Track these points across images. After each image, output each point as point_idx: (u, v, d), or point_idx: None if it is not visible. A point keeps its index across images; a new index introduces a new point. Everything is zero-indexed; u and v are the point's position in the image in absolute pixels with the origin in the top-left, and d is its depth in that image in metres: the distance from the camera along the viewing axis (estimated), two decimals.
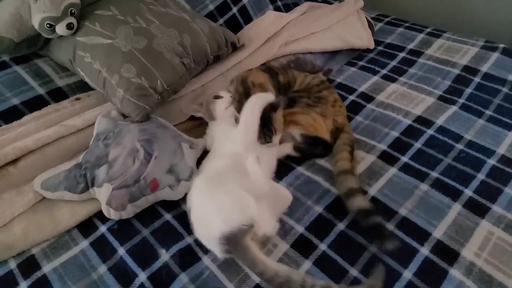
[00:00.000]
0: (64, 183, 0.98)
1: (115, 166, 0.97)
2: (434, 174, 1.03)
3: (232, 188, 0.86)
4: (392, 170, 1.05)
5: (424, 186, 1.00)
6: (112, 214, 0.95)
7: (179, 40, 1.16)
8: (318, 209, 0.96)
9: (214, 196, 0.87)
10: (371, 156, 1.09)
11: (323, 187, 1.02)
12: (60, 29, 1.13)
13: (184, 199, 0.99)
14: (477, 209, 0.94)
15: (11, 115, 1.12)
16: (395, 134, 1.16)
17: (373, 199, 0.97)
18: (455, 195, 0.97)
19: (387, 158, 1.08)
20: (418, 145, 1.12)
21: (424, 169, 1.04)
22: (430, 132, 1.16)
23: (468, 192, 0.98)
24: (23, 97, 1.16)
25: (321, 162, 1.09)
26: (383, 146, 1.12)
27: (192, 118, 1.21)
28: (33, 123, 1.10)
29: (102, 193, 0.95)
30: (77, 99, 1.20)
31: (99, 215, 0.97)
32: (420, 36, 1.57)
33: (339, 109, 1.16)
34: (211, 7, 1.49)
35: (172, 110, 1.21)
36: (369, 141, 1.13)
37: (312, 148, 1.09)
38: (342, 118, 1.14)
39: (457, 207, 0.94)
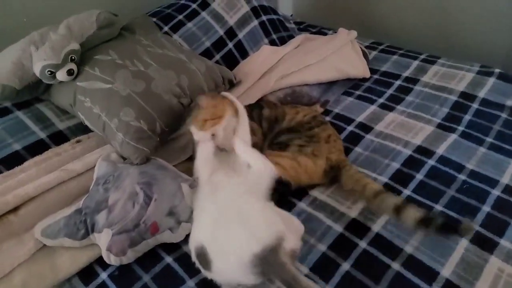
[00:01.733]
0: (64, 230, 0.97)
1: (115, 211, 0.97)
2: (438, 207, 1.02)
3: (252, 206, 0.84)
4: None
5: None
6: (112, 260, 0.94)
7: (177, 81, 1.18)
8: (321, 247, 0.94)
9: (234, 221, 0.82)
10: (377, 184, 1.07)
11: (325, 224, 1.00)
12: (61, 75, 1.15)
13: (185, 240, 0.98)
14: (485, 244, 0.92)
15: (12, 160, 1.13)
16: (396, 165, 1.15)
17: (377, 236, 0.96)
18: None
19: (389, 191, 1.06)
20: (420, 176, 1.11)
21: (428, 202, 1.03)
22: (431, 162, 1.15)
23: (474, 226, 0.96)
24: (25, 142, 1.17)
25: (323, 197, 1.08)
26: (384, 179, 1.11)
27: (192, 157, 1.21)
28: (34, 168, 1.10)
29: (103, 238, 0.95)
30: (78, 141, 1.21)
31: (100, 261, 0.96)
32: (415, 63, 1.58)
33: (334, 144, 1.14)
34: (208, 43, 1.52)
35: (171, 150, 1.22)
36: (370, 174, 1.13)
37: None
38: (338, 154, 1.13)
39: (464, 243, 0.92)
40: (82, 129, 1.23)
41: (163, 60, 1.21)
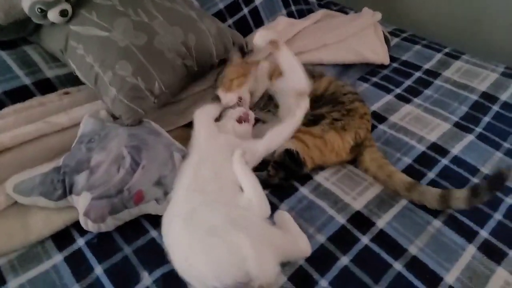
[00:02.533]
0: (40, 187, 0.88)
1: (97, 173, 0.88)
2: (449, 210, 0.94)
3: (223, 230, 0.72)
4: (403, 201, 0.96)
5: (437, 223, 0.91)
6: (90, 226, 0.86)
7: (183, 39, 1.07)
8: (321, 238, 0.87)
9: (202, 242, 0.72)
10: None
11: (327, 214, 0.93)
12: (53, 15, 1.03)
13: None
14: (493, 253, 0.85)
15: None
16: (407, 160, 1.07)
17: (381, 233, 0.89)
18: (470, 235, 0.89)
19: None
20: (431, 175, 1.03)
21: None
22: (445, 161, 1.07)
23: (483, 234, 0.89)
24: (6, 86, 1.06)
25: (327, 184, 1.00)
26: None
27: (189, 125, 1.11)
28: (13, 116, 0.99)
29: (81, 202, 0.86)
30: (66, 93, 1.10)
31: (78, 226, 0.87)
32: (438, 56, 1.48)
33: (365, 122, 1.07)
34: (221, 5, 1.39)
35: (168, 113, 1.11)
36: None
37: (282, 164, 0.98)
38: (365, 132, 1.05)
39: (471, 250, 0.86)
40: (73, 80, 1.12)
41: (171, 14, 1.09)
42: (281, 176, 0.97)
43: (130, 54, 0.99)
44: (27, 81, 1.09)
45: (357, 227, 0.90)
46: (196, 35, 1.09)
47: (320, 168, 1.04)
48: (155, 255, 0.83)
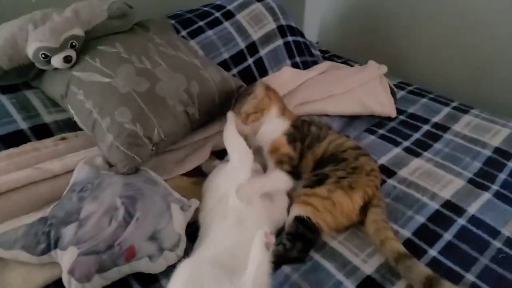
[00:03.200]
0: (22, 240, 0.81)
1: (87, 226, 0.81)
2: (470, 276, 0.85)
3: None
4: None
5: (470, 277, 0.83)
6: (73, 285, 0.77)
7: (186, 87, 1.05)
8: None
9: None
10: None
11: (335, 278, 0.84)
12: (57, 61, 1.02)
13: (165, 273, 0.82)
14: None
15: None
16: (420, 219, 0.99)
17: None
18: None
19: (411, 249, 0.89)
20: (448, 236, 0.95)
21: (457, 269, 0.87)
22: (461, 221, 0.99)
23: None
24: (1, 130, 1.03)
25: (334, 243, 0.92)
26: (407, 233, 0.95)
27: (189, 173, 1.06)
28: (4, 161, 0.95)
29: (66, 257, 0.79)
30: (63, 138, 1.07)
31: (59, 285, 0.79)
32: (446, 109, 1.45)
33: (373, 179, 1.00)
34: (226, 55, 1.40)
35: (166, 161, 1.06)
36: (391, 225, 0.96)
37: (297, 235, 0.90)
38: (373, 189, 0.98)
39: None
40: (72, 126, 1.08)
41: (175, 62, 1.08)
42: (299, 248, 0.88)
43: (130, 100, 0.97)
44: (23, 125, 1.05)
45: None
46: (199, 82, 1.07)
47: None
48: None
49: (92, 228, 0.81)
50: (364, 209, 0.95)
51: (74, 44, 1.03)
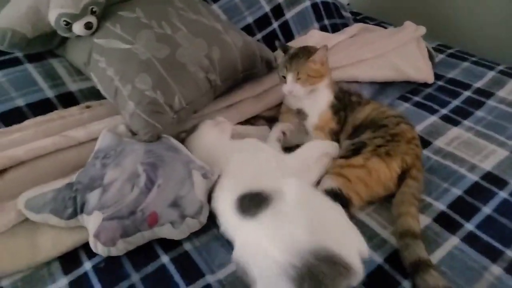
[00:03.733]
0: (51, 204, 0.84)
1: (110, 192, 0.82)
2: (510, 253, 0.79)
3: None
4: (453, 240, 0.82)
5: (496, 269, 0.76)
6: (99, 249, 0.79)
7: (207, 52, 1.01)
8: None
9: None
10: (425, 217, 0.86)
11: None
12: (78, 28, 1.01)
13: (188, 239, 0.83)
14: None
15: (13, 117, 1.02)
16: (457, 192, 0.92)
17: None
18: None
19: (446, 222, 0.85)
20: (487, 210, 0.88)
21: (496, 244, 0.80)
22: (503, 194, 0.91)
23: None
24: (30, 98, 1.05)
25: (362, 215, 0.88)
26: (441, 206, 0.89)
27: None
28: (32, 129, 0.97)
29: (92, 222, 0.81)
30: (88, 106, 1.07)
31: (87, 248, 0.82)
32: (490, 74, 1.33)
33: (414, 147, 0.94)
34: (250, 19, 1.34)
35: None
36: (423, 197, 0.91)
37: None
38: (413, 158, 0.92)
39: None
40: (96, 94, 1.08)
41: (196, 26, 1.04)
42: None
43: (150, 67, 0.95)
44: (50, 94, 1.07)
45: (397, 268, 0.77)
46: (221, 48, 1.03)
47: None
48: (165, 283, 0.76)
49: (115, 194, 0.81)
50: (402, 178, 0.90)
51: (94, 10, 1.01)
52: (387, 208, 0.89)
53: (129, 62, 0.95)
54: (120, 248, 0.80)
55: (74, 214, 0.83)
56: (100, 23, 1.03)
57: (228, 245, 0.81)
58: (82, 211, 0.82)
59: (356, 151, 0.93)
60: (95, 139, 0.96)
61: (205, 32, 1.04)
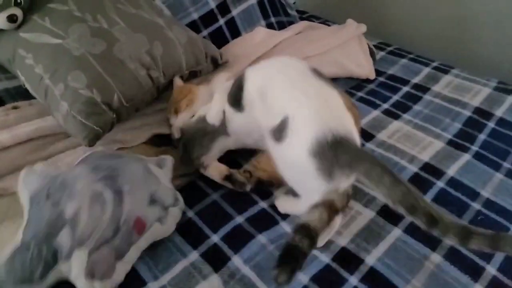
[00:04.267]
0: (10, 277, 0.68)
1: (81, 223, 0.71)
2: (448, 241, 0.83)
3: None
4: (396, 232, 0.84)
5: (436, 257, 0.79)
6: (98, 287, 0.69)
7: (148, 48, 0.96)
8: (303, 279, 0.75)
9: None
10: (369, 211, 0.88)
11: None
12: (0, 21, 0.91)
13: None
14: None
15: None
16: None
17: (372, 271, 0.76)
18: (475, 272, 0.77)
19: (388, 215, 0.87)
20: (427, 199, 0.91)
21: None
22: (440, 184, 0.96)
23: (491, 270, 0.77)
24: None
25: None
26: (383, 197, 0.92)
27: (156, 141, 0.99)
28: None
29: (75, 264, 0.69)
30: (15, 107, 0.97)
31: None
32: (426, 70, 1.40)
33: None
34: (195, 15, 1.29)
35: (128, 129, 0.99)
36: (367, 191, 0.93)
37: None
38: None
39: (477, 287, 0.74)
40: (24, 94, 0.99)
41: (135, 21, 0.98)
42: None
43: (85, 63, 0.88)
44: None
45: (344, 265, 0.77)
46: (163, 44, 0.98)
47: None
48: None
49: (88, 222, 0.71)
50: None
51: (19, 1, 0.92)
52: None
53: (61, 59, 0.88)
54: (121, 271, 0.71)
55: (47, 270, 0.69)
56: (26, 16, 0.94)
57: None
58: (55, 262, 0.69)
59: None
60: (22, 143, 0.88)
61: (145, 27, 0.98)
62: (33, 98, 0.97)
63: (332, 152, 0.70)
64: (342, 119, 0.76)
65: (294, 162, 0.75)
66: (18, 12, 0.92)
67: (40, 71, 0.88)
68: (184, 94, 0.95)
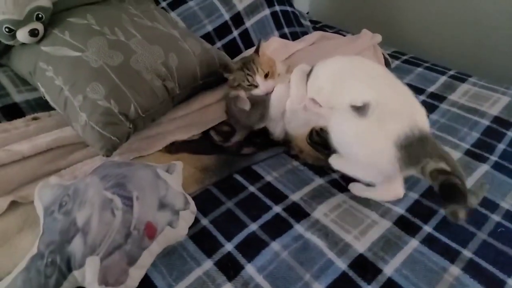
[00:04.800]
0: (27, 286, 0.69)
1: (92, 230, 0.72)
2: (467, 253, 0.81)
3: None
4: (413, 243, 0.82)
5: (455, 270, 0.77)
6: None
7: (164, 59, 0.98)
8: None
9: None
10: (385, 221, 0.87)
11: (326, 256, 0.79)
12: (22, 35, 0.94)
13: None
14: None
15: None
16: (414, 196, 0.94)
17: (389, 281, 0.75)
18: (494, 284, 0.75)
19: (406, 225, 0.86)
20: (443, 212, 0.90)
21: (453, 245, 0.82)
22: None
23: (511, 283, 0.75)
24: None
25: (326, 221, 0.87)
26: (400, 210, 0.90)
27: (170, 149, 1.00)
28: None
29: (88, 272, 0.69)
30: (35, 118, 1.00)
31: None
32: (442, 78, 1.39)
33: None
34: (209, 27, 1.32)
35: (143, 138, 1.01)
36: (383, 202, 0.92)
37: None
38: None
39: None
40: (43, 105, 1.02)
41: (151, 33, 1.01)
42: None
43: (103, 75, 0.90)
44: None
45: (361, 274, 0.76)
46: (178, 55, 1.00)
47: (318, 202, 0.91)
48: None
49: (99, 228, 0.72)
50: None
51: (40, 16, 0.95)
52: (351, 213, 0.89)
53: (80, 71, 0.90)
54: (134, 277, 0.71)
55: (62, 279, 0.69)
56: (47, 30, 0.98)
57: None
58: (70, 269, 0.70)
59: None
60: (41, 153, 0.90)
61: (161, 39, 1.01)
62: (53, 109, 1.00)
63: (418, 146, 0.80)
64: (422, 115, 0.86)
65: (373, 147, 0.83)
66: (39, 26, 0.96)
67: (60, 83, 0.91)
68: (270, 65, 1.03)
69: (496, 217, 0.89)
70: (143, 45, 0.96)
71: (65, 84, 0.90)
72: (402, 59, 1.52)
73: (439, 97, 1.30)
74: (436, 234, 0.85)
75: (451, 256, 0.79)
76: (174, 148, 1.01)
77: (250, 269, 0.78)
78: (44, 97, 0.97)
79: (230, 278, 0.76)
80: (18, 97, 1.03)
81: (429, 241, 0.83)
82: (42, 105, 1.02)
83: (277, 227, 0.85)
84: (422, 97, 1.30)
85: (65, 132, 0.94)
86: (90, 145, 0.92)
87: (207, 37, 1.30)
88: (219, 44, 1.33)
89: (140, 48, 0.96)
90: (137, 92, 0.92)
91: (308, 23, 1.65)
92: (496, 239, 0.84)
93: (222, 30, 1.34)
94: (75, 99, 0.89)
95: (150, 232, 0.75)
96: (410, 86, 1.31)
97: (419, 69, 1.45)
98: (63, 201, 0.78)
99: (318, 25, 1.79)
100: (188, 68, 1.02)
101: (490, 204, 0.92)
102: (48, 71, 0.93)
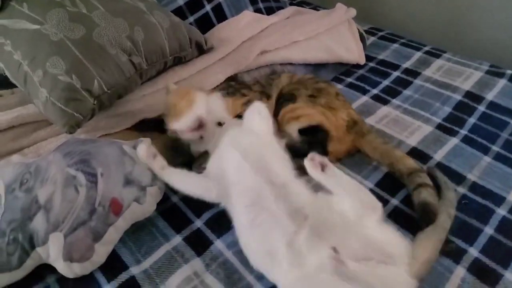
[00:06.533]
0: None
1: (55, 207, 0.71)
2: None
3: None
4: None
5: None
6: (77, 269, 0.70)
7: (129, 33, 0.94)
8: None
9: None
10: None
11: None
12: None
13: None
14: (486, 275, 0.73)
15: None
16: (384, 169, 0.95)
17: None
18: (457, 256, 0.76)
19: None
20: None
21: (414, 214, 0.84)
22: None
23: (473, 252, 0.77)
24: None
25: None
26: (369, 184, 0.91)
27: (139, 127, 0.98)
28: None
29: (52, 248, 0.69)
30: None
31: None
32: (417, 54, 1.38)
33: (345, 103, 1.02)
34: (181, 1, 1.27)
35: (110, 116, 0.98)
36: (354, 175, 0.92)
37: (311, 144, 0.91)
38: (355, 112, 1.01)
39: (460, 272, 0.73)
40: (6, 82, 0.97)
41: (115, 5, 0.97)
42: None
43: (63, 49, 0.86)
44: None
45: None
46: (145, 29, 0.96)
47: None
48: None
49: (62, 205, 0.71)
50: (352, 131, 0.97)
51: None
52: None
53: (39, 44, 0.86)
54: (100, 253, 0.71)
55: (25, 256, 0.69)
56: (3, 2, 0.93)
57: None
58: (32, 247, 0.69)
59: (290, 99, 0.97)
60: (2, 131, 0.87)
61: (126, 12, 0.97)
62: (15, 86, 0.96)
63: None
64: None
65: None
66: None
67: (18, 57, 0.87)
68: (181, 97, 0.89)
69: (461, 189, 0.90)
70: (107, 18, 0.92)
71: (24, 59, 0.87)
72: (378, 35, 1.51)
73: (413, 73, 1.30)
74: (402, 207, 0.86)
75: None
76: (143, 126, 0.99)
77: (219, 244, 0.78)
78: (4, 73, 0.93)
79: (199, 253, 0.76)
80: None
81: (396, 214, 0.84)
82: (4, 83, 0.98)
83: None
84: (397, 73, 1.30)
85: (28, 110, 0.91)
86: (52, 122, 0.89)
87: (179, 12, 1.25)
88: (191, 18, 1.29)
89: (103, 21, 0.92)
90: (100, 67, 0.88)
91: None
92: (460, 210, 0.85)
93: (194, 4, 1.30)
94: (35, 74, 0.85)
95: (116, 208, 0.74)
96: (385, 62, 1.35)
97: (395, 45, 1.44)
98: (24, 178, 0.76)
99: (295, 1, 1.75)
100: (155, 42, 0.98)
101: (456, 177, 0.93)
102: (6, 45, 0.89)
